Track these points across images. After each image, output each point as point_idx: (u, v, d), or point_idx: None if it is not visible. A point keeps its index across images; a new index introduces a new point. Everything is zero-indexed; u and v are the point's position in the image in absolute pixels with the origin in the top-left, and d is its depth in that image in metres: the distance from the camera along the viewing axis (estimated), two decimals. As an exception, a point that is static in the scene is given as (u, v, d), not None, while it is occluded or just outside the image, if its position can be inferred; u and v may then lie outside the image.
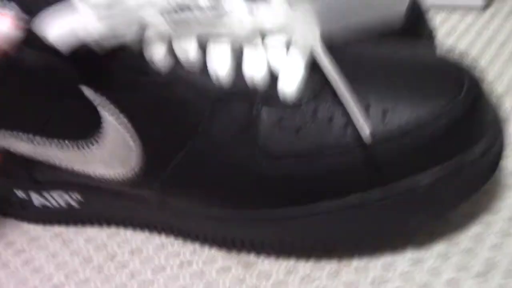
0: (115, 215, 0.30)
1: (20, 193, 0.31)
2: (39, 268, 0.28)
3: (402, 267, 0.24)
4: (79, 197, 0.30)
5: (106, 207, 0.29)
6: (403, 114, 0.24)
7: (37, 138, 0.27)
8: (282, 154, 0.24)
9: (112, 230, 0.30)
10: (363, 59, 0.26)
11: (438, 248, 0.25)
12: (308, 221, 0.25)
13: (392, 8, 0.24)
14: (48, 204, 0.31)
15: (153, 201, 0.27)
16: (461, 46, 0.40)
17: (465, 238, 0.25)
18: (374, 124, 0.24)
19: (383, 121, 0.24)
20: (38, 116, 0.27)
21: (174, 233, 0.28)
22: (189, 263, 0.27)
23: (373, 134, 0.23)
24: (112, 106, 0.25)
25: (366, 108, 0.24)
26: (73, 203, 0.30)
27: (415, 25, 0.32)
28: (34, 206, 0.31)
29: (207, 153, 0.25)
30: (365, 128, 0.23)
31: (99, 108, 0.25)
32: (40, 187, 0.30)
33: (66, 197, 0.30)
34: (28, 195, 0.31)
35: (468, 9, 0.45)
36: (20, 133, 0.27)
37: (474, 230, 0.26)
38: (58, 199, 0.30)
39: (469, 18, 0.44)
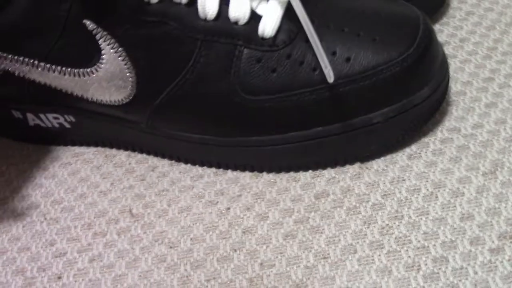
0: (105, 136, 0.33)
1: (17, 114, 0.34)
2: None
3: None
4: (72, 118, 0.33)
5: (96, 128, 0.33)
6: (363, 61, 0.28)
7: (42, 64, 0.30)
8: (258, 89, 0.28)
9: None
10: (333, 11, 0.29)
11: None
12: (277, 148, 0.30)
13: None
14: (41, 124, 0.34)
15: (144, 125, 0.31)
16: None
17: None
18: (338, 68, 0.28)
19: (346, 66, 0.28)
20: (44, 44, 0.30)
21: (161, 155, 0.33)
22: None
23: (335, 77, 0.27)
24: (112, 40, 0.29)
25: (333, 54, 0.28)
26: (65, 124, 0.33)
27: None
28: (28, 125, 0.34)
29: (194, 86, 0.29)
30: (328, 71, 0.27)
31: (101, 41, 0.29)
32: (38, 109, 0.33)
33: (61, 119, 0.33)
34: (25, 116, 0.34)
35: None
36: (27, 59, 0.30)
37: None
38: (52, 120, 0.33)
39: None
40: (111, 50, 0.29)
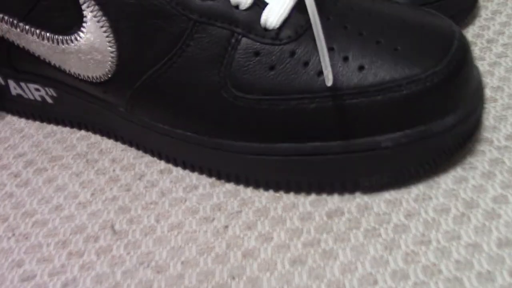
0: (85, 117, 0.30)
1: None
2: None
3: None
4: (53, 93, 0.30)
5: (77, 108, 0.30)
6: (379, 73, 0.24)
7: (21, 24, 0.27)
8: (251, 87, 0.24)
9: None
10: (354, 11, 0.26)
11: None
12: (263, 159, 0.25)
13: None
14: (23, 94, 0.31)
15: (123, 110, 0.27)
16: None
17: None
18: (348, 76, 0.24)
19: (357, 75, 0.24)
20: (25, 3, 0.26)
21: (142, 148, 0.29)
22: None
23: (343, 85, 0.23)
24: (96, 7, 0.25)
25: (344, 60, 0.24)
26: (47, 98, 0.31)
27: None
28: (11, 94, 0.31)
29: (179, 72, 0.25)
30: (327, 73, 0.23)
31: (84, 7, 0.25)
32: (18, 76, 0.30)
33: (42, 91, 0.30)
34: (6, 82, 0.31)
35: None
36: (6, 17, 0.27)
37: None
38: (34, 92, 0.31)
39: None
40: (94, 19, 0.25)
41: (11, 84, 0.31)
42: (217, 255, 0.24)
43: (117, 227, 0.26)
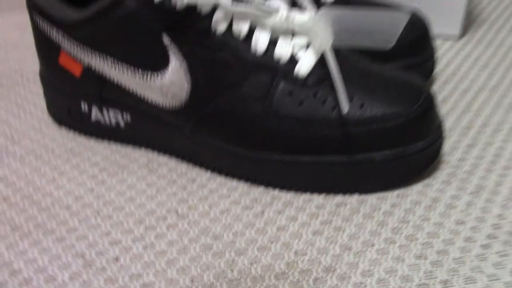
0: (149, 138, 0.39)
1: (84, 106, 0.40)
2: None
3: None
4: (129, 117, 0.39)
5: (146, 130, 0.39)
6: (374, 110, 0.35)
7: (119, 63, 0.37)
8: (287, 116, 0.35)
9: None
10: (358, 67, 0.37)
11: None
12: (293, 167, 0.36)
13: (389, 31, 0.35)
14: (101, 120, 0.40)
15: (187, 131, 0.37)
16: (442, 64, 0.52)
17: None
18: (353, 111, 0.35)
19: (359, 111, 0.35)
20: (126, 47, 0.36)
21: (199, 164, 0.39)
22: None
23: (350, 118, 0.34)
24: (180, 55, 0.35)
25: (350, 100, 0.35)
26: (121, 122, 0.40)
27: (418, 42, 0.44)
28: (90, 120, 0.40)
29: (235, 104, 0.35)
30: (344, 105, 0.34)
31: (171, 54, 0.35)
32: (103, 103, 0.39)
33: (119, 117, 0.40)
34: (90, 109, 0.40)
35: (446, 37, 0.56)
36: (109, 56, 0.37)
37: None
38: (112, 117, 0.40)
39: (447, 44, 0.56)
40: (177, 62, 0.35)
41: (94, 110, 0.40)
42: (258, 229, 0.33)
43: (180, 211, 0.35)
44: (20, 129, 0.43)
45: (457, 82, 0.48)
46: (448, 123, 0.42)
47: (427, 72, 0.46)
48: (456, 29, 0.56)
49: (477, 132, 0.42)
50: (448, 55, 0.53)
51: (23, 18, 0.62)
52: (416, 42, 0.44)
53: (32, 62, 0.52)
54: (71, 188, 0.37)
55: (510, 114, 0.44)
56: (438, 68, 0.50)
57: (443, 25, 0.55)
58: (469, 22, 0.59)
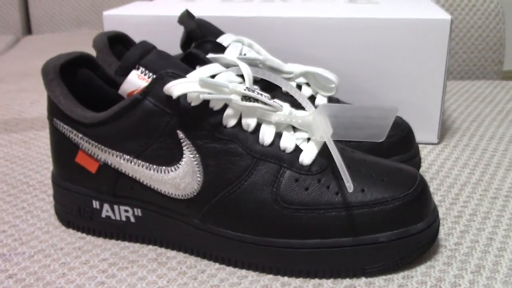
0: (162, 232, 0.41)
1: (96, 204, 0.41)
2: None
3: None
4: (139, 213, 0.41)
5: (155, 224, 0.40)
6: (374, 193, 0.37)
7: (135, 160, 0.39)
8: (293, 202, 0.37)
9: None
10: (352, 158, 0.40)
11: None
12: (300, 251, 0.37)
13: (380, 125, 0.39)
14: (112, 216, 0.41)
15: (197, 220, 0.39)
16: (425, 165, 0.54)
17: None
18: (355, 195, 0.37)
19: (360, 195, 0.37)
20: (142, 144, 0.39)
21: (208, 255, 0.39)
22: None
23: (352, 203, 0.37)
24: (193, 148, 0.38)
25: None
26: (131, 218, 0.41)
27: (405, 140, 0.48)
28: (101, 217, 0.42)
29: (244, 192, 0.38)
30: (349, 185, 0.36)
31: (184, 148, 0.38)
32: (115, 200, 0.41)
33: (130, 212, 0.41)
34: (101, 207, 0.41)
35: (425, 144, 0.61)
36: (125, 155, 0.39)
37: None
38: (123, 213, 0.41)
39: (428, 148, 0.60)
40: (190, 155, 0.38)
41: (105, 207, 0.41)
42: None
43: (193, 299, 0.35)
44: (28, 230, 0.44)
45: (442, 179, 0.52)
46: (439, 213, 0.45)
47: (416, 167, 0.50)
48: (434, 137, 0.61)
49: (468, 220, 0.44)
50: (430, 157, 0.57)
51: (26, 136, 0.65)
52: (404, 140, 0.48)
53: (37, 174, 0.54)
54: (82, 282, 0.37)
55: (495, 206, 0.47)
56: (422, 168, 0.54)
57: (421, 133, 0.60)
58: (444, 131, 0.65)
